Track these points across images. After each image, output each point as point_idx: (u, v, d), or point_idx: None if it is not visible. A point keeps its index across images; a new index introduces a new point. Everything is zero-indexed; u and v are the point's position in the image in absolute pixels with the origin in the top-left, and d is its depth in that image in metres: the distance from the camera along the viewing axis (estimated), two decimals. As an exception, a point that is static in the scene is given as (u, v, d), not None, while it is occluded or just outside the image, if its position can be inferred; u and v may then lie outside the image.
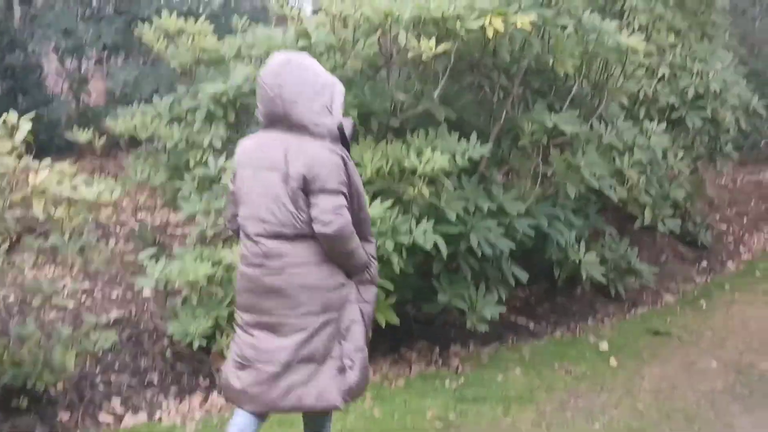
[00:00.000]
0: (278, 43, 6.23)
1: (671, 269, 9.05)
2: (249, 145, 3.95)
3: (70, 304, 5.56)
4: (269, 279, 3.80)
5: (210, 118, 6.46)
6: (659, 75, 8.20)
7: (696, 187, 9.20)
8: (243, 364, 3.87)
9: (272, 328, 3.81)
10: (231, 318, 5.64)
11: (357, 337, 3.93)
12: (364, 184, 5.01)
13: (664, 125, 7.86)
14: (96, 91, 11.92)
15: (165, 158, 6.99)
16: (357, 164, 5.63)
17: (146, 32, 7.20)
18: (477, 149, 5.89)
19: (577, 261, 6.99)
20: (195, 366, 5.74)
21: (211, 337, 5.63)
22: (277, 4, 7.19)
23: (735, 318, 7.66)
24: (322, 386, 3.81)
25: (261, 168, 3.80)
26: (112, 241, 7.74)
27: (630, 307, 7.97)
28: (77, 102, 11.27)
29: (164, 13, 7.25)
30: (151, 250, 5.69)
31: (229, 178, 4.19)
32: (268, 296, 3.81)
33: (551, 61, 6.44)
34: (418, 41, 5.61)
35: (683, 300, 8.28)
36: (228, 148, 6.33)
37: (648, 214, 7.74)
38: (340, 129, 3.84)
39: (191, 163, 6.45)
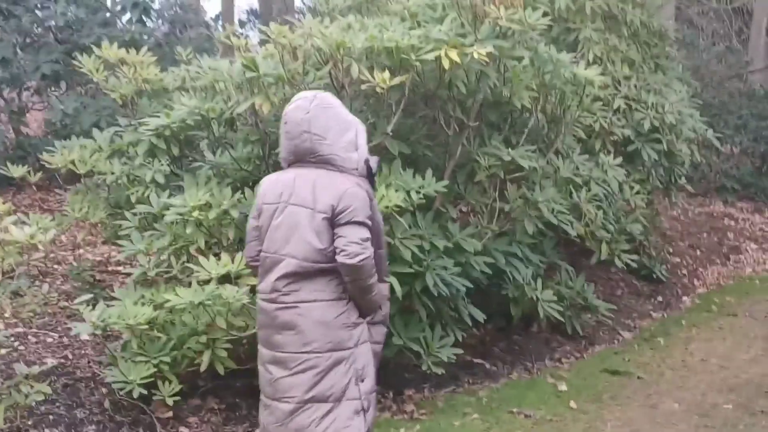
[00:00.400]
0: (224, 75, 5.95)
1: (627, 305, 8.89)
2: (274, 180, 4.02)
3: (1, 351, 5.19)
4: (284, 314, 3.86)
5: (152, 152, 6.15)
6: (614, 107, 8.07)
7: (651, 220, 9.07)
8: (266, 403, 3.98)
9: (284, 364, 3.87)
10: (174, 364, 5.35)
11: (372, 377, 3.99)
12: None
13: (620, 158, 7.74)
14: (35, 122, 11.52)
15: (105, 194, 6.64)
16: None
17: (86, 62, 6.87)
18: (432, 185, 5.66)
19: (535, 298, 6.80)
20: (135, 416, 5.39)
21: (152, 385, 5.30)
22: (223, 34, 6.93)
23: (694, 356, 7.50)
24: (335, 428, 3.84)
25: (289, 204, 3.88)
26: (47, 283, 7.35)
27: (587, 345, 7.77)
28: (16, 133, 10.85)
29: (105, 42, 6.93)
30: (87, 296, 5.34)
31: (252, 215, 4.14)
32: (281, 331, 3.88)
33: (507, 94, 6.27)
34: (371, 73, 5.38)
35: (641, 337, 8.11)
36: (170, 184, 6.03)
37: (605, 250, 7.57)
38: (367, 164, 3.96)
39: (133, 200, 6.13)
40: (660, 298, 9.32)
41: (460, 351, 6.15)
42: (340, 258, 3.78)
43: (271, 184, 4.03)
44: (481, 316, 6.37)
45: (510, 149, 6.19)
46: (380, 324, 4.14)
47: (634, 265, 8.02)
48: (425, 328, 6.01)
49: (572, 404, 6.23)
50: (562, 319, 7.29)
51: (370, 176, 3.99)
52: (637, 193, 7.96)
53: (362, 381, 3.92)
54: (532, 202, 6.33)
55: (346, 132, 3.93)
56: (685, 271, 10.39)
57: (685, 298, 9.53)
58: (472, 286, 6.04)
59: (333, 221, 3.80)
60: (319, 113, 3.90)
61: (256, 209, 4.08)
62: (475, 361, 7.04)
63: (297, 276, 3.85)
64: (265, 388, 3.98)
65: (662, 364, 7.26)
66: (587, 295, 7.66)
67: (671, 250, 10.84)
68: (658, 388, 6.65)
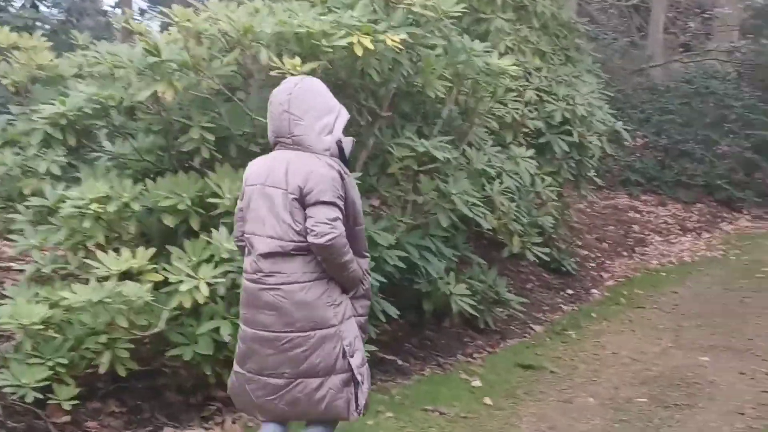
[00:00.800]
0: (124, 61, 5.63)
1: (538, 298, 8.86)
2: (257, 164, 4.12)
3: None
4: (266, 295, 3.96)
5: (47, 142, 5.79)
6: (526, 99, 8.00)
7: (561, 213, 9.05)
8: (250, 378, 4.06)
9: (270, 343, 3.97)
10: (71, 366, 5.03)
11: (361, 351, 4.12)
12: (221, 216, 5.06)
13: (531, 150, 7.67)
14: None
15: (-4, 186, 6.25)
16: (215, 195, 5.17)
17: (-25, 47, 6.46)
18: (345, 177, 5.46)
19: (448, 293, 6.68)
20: (29, 422, 5.06)
21: (47, 389, 4.97)
22: (122, 18, 6.60)
23: (606, 349, 7.48)
24: (329, 399, 3.98)
25: (266, 185, 3.97)
26: (-68, 281, 6.91)
27: (499, 339, 7.68)
28: None
29: (-4, 26, 6.53)
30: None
31: (239, 197, 4.22)
32: (265, 312, 3.97)
33: (421, 83, 6.11)
34: (281, 59, 5.15)
35: (552, 330, 8.07)
36: (67, 176, 5.68)
37: (516, 242, 7.50)
38: (339, 145, 4.03)
39: (26, 192, 5.76)
40: (570, 291, 9.32)
41: (374, 348, 5.97)
42: (310, 238, 3.86)
43: (255, 166, 4.11)
44: (394, 312, 6.20)
45: (423, 140, 6.03)
46: (363, 298, 4.23)
47: (546, 258, 7.96)
48: (337, 324, 5.82)
49: (487, 400, 6.11)
50: (475, 314, 7.18)
51: (342, 156, 4.05)
52: (549, 185, 7.90)
53: (352, 356, 4.02)
54: (446, 194, 6.19)
55: (326, 116, 4.02)
56: (593, 264, 10.44)
57: (594, 290, 9.56)
58: (385, 281, 5.87)
59: (302, 202, 3.89)
60: (301, 95, 3.99)
61: (241, 195, 4.15)
62: (387, 357, 6.85)
63: (277, 256, 3.94)
64: (249, 365, 4.06)
65: (575, 358, 7.21)
66: (499, 289, 7.58)
67: (579, 243, 10.89)
68: (572, 382, 6.58)
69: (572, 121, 8.19)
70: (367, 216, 5.93)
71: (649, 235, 12.23)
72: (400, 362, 6.85)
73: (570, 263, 9.61)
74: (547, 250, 7.91)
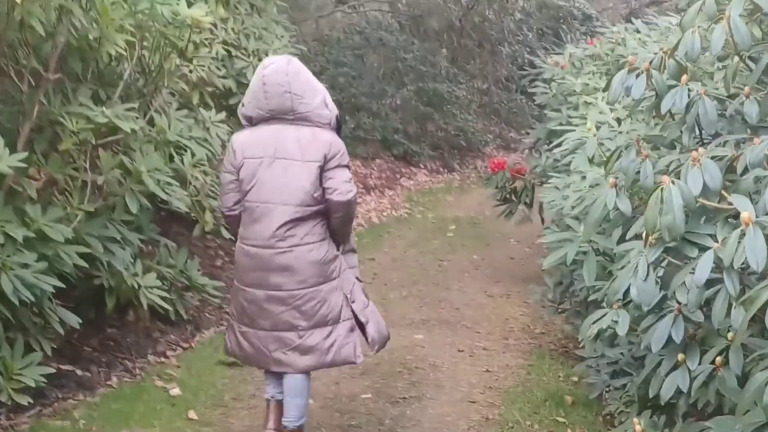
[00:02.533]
0: None
1: (230, 276, 7.92)
2: (252, 137, 4.46)
3: None
4: (279, 258, 4.35)
5: None
6: (213, 54, 6.98)
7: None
8: (264, 335, 4.44)
9: (283, 301, 4.37)
10: None
11: (360, 297, 4.59)
12: None
13: (222, 113, 6.73)
14: None
15: None
16: None
17: None
18: (6, 159, 4.24)
19: (136, 286, 5.63)
20: None
21: None
22: None
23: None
24: (338, 346, 4.44)
25: (278, 158, 4.34)
26: None
27: (194, 330, 6.70)
28: None
29: None
30: None
31: (227, 169, 4.51)
32: (278, 273, 4.36)
33: (97, 37, 4.95)
34: None
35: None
36: None
37: (210, 219, 6.55)
38: (338, 119, 4.54)
39: None
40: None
41: (51, 370, 4.82)
42: (335, 197, 4.33)
43: (249, 140, 4.45)
44: (75, 321, 5.08)
45: (104, 108, 4.90)
46: (351, 251, 4.69)
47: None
48: (2, 345, 4.60)
49: (192, 414, 5.18)
50: (167, 306, 6.16)
51: (338, 129, 4.54)
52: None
53: (353, 302, 4.51)
54: (134, 172, 5.12)
55: (317, 93, 4.45)
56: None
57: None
58: (63, 285, 4.72)
59: (324, 167, 4.33)
60: (296, 75, 4.40)
61: (232, 164, 4.46)
62: (63, 368, 5.67)
63: (294, 221, 4.33)
64: (262, 323, 4.43)
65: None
66: (191, 273, 6.61)
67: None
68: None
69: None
70: (35, 205, 4.74)
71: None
72: (79, 373, 5.66)
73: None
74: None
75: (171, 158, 5.86)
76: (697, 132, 3.61)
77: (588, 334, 3.80)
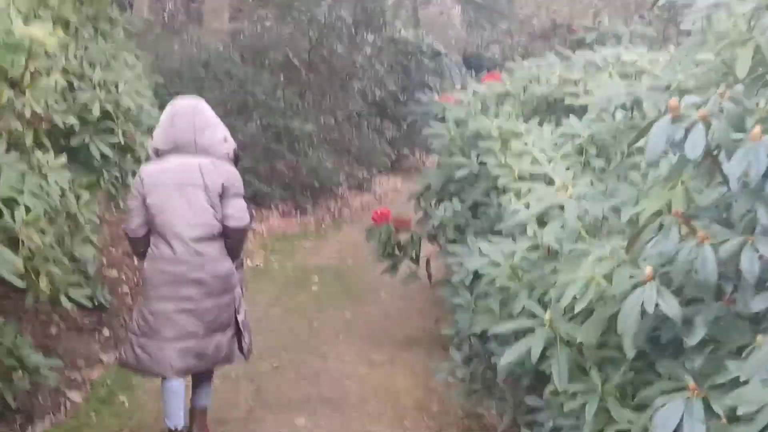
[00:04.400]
0: None
1: (68, 348, 6.65)
2: (160, 168, 5.05)
3: None
4: (193, 273, 4.97)
5: None
6: (52, 84, 5.75)
7: (100, 235, 6.91)
8: (164, 346, 4.98)
9: (192, 312, 4.99)
10: None
11: (242, 308, 5.26)
12: None
13: (63, 157, 5.53)
14: None
15: None
16: None
17: None
18: None
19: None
20: None
21: None
22: None
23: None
24: (229, 348, 5.16)
25: (184, 185, 4.97)
26: None
27: (25, 422, 5.47)
28: None
29: None
30: None
31: (134, 195, 5.10)
32: (189, 286, 4.98)
33: None
34: None
35: (95, 397, 6.03)
36: None
37: (45, 286, 5.31)
38: (236, 153, 5.24)
39: None
40: (107, 333, 7.23)
41: None
42: (231, 223, 5.01)
43: (156, 170, 5.05)
44: None
45: None
46: (241, 267, 5.35)
47: (88, 304, 5.87)
48: None
49: None
50: (-7, 399, 4.92)
51: (236, 162, 5.20)
52: (87, 203, 5.80)
53: (239, 313, 5.20)
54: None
55: (217, 129, 5.16)
56: (126, 288, 8.42)
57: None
58: None
59: (222, 194, 4.98)
60: (200, 113, 5.13)
61: (139, 192, 5.05)
62: None
63: (204, 240, 4.97)
64: (166, 333, 4.99)
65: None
66: (23, 352, 5.38)
67: (105, 260, 8.78)
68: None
69: (115, 116, 6.13)
70: None
71: (182, 242, 10.45)
72: None
73: (103, 294, 7.52)
74: (87, 291, 5.82)
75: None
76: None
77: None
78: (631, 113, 3.91)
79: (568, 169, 4.24)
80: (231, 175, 5.02)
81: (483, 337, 4.98)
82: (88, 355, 6.68)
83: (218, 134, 5.09)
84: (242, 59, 15.72)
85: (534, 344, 3.31)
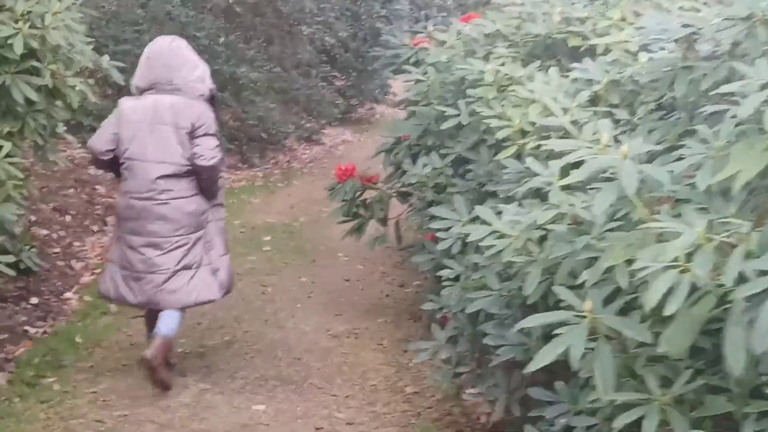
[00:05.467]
0: None
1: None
2: (135, 104, 5.24)
3: None
4: (158, 208, 5.12)
5: None
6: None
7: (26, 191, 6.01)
8: (136, 277, 5.15)
9: (158, 246, 5.12)
10: None
11: (218, 246, 5.40)
12: None
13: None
14: None
15: None
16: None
17: None
18: None
19: None
20: None
21: None
22: None
23: (104, 409, 4.89)
24: (201, 286, 5.23)
25: (155, 123, 5.12)
26: None
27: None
28: None
29: None
30: None
31: (111, 122, 5.28)
32: (155, 222, 5.12)
33: None
34: None
35: (21, 380, 5.25)
36: None
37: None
38: (213, 93, 5.36)
39: None
40: (35, 300, 6.39)
41: None
42: (199, 161, 5.09)
43: (133, 106, 5.23)
44: None
45: None
46: (219, 206, 5.46)
47: (11, 271, 5.02)
48: None
49: None
50: None
51: (212, 102, 5.34)
52: (9, 156, 4.95)
53: (212, 250, 5.32)
54: None
55: (195, 69, 5.26)
56: (58, 250, 7.56)
57: (69, 294, 6.73)
58: None
59: (192, 134, 5.10)
60: (177, 51, 5.26)
61: (115, 123, 5.25)
62: None
63: (171, 177, 5.10)
64: (137, 266, 5.15)
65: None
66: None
67: (34, 218, 7.90)
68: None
69: (41, 54, 5.24)
70: None
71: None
72: None
73: (31, 256, 6.67)
74: (9, 258, 4.98)
75: None
76: None
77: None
78: (684, 52, 3.19)
79: (587, 122, 3.53)
80: (202, 115, 5.14)
81: (472, 314, 4.30)
82: (13, 329, 5.86)
83: (196, 73, 5.22)
84: (182, 1, 14.73)
85: (574, 343, 2.60)
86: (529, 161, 3.43)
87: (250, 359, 5.79)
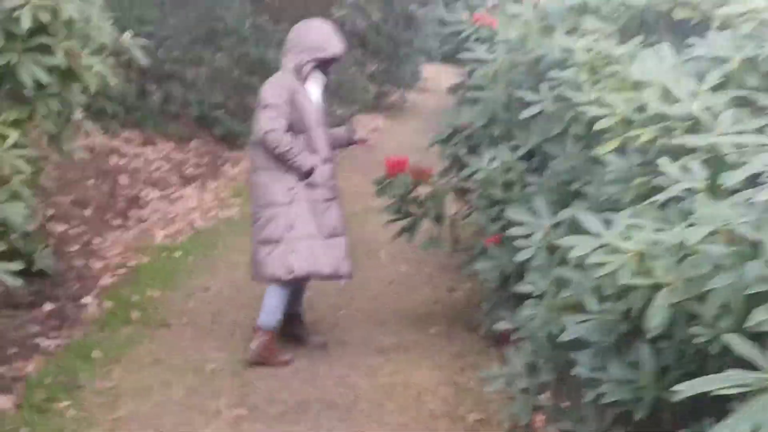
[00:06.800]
0: None
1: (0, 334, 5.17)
2: None
3: None
4: (249, 176, 5.53)
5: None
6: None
7: (35, 185, 5.34)
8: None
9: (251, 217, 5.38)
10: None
11: (300, 228, 5.20)
12: None
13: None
14: None
15: None
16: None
17: None
18: None
19: None
20: None
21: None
22: None
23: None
24: (282, 262, 5.16)
25: None
26: None
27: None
28: None
29: None
30: None
31: None
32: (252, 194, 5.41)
33: None
34: None
35: (30, 405, 4.55)
36: None
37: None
38: (301, 67, 5.25)
39: None
40: (49, 307, 5.71)
41: None
42: (256, 135, 5.23)
43: None
44: None
45: None
46: (312, 186, 5.27)
47: (17, 281, 4.34)
48: None
49: None
50: None
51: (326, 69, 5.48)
52: (17, 146, 4.27)
53: (293, 229, 5.18)
54: None
55: (299, 47, 5.26)
56: (77, 247, 6.88)
57: (87, 299, 6.03)
58: None
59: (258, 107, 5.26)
60: (295, 31, 5.35)
61: None
62: None
63: (252, 146, 5.38)
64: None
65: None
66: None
67: (51, 213, 7.24)
68: None
69: (53, 30, 4.55)
70: None
71: (142, 189, 8.77)
72: None
73: (44, 257, 6.01)
74: (18, 265, 4.30)
75: None
76: None
77: None
78: None
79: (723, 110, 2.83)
80: (265, 87, 5.25)
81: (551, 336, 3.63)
82: (23, 342, 5.20)
83: (298, 47, 5.25)
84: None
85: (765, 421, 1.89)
86: (663, 162, 2.71)
87: (288, 380, 5.10)
